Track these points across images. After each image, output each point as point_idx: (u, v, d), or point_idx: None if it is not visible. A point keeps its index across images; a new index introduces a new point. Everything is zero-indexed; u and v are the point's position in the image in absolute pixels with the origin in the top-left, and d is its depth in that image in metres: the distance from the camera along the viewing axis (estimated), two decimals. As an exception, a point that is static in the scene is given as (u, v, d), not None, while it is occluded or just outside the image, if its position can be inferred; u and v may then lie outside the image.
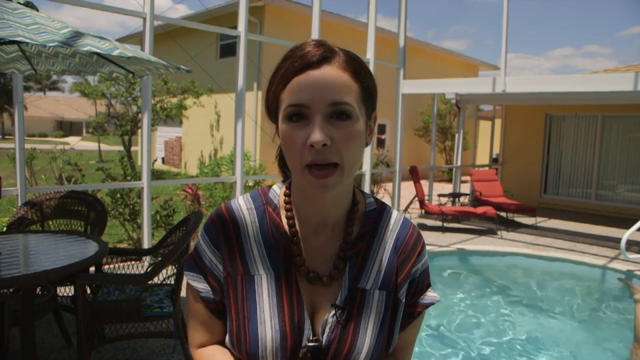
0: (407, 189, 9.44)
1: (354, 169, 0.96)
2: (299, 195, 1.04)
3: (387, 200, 9.57)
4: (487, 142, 14.49)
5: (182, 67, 3.63)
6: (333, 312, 1.00)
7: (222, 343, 1.09)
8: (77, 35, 2.61)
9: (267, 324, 0.98)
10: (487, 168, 12.72)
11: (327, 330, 0.99)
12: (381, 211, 1.12)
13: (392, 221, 1.11)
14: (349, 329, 1.00)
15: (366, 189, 8.57)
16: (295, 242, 1.02)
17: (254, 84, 14.49)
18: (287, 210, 1.05)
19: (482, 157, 15.58)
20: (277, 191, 1.10)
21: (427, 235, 8.21)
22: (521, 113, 13.32)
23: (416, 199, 9.06)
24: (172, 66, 3.59)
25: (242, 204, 1.07)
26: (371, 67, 8.44)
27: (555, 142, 13.20)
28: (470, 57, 24.52)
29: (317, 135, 0.88)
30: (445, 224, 8.93)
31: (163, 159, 19.84)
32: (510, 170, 13.33)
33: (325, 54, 0.94)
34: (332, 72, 0.93)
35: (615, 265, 6.93)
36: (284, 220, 1.04)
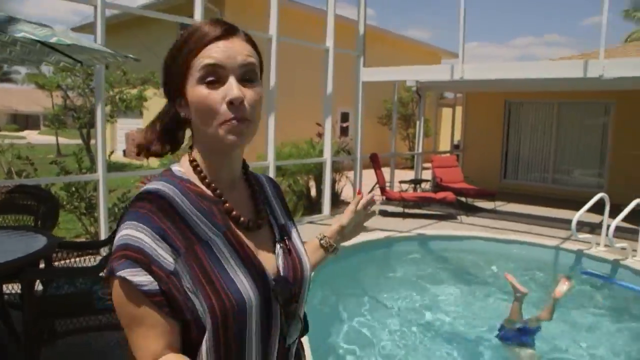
0: (369, 177, 9.49)
1: (257, 128, 1.08)
2: (210, 159, 1.10)
3: (348, 188, 9.60)
4: (448, 129, 14.68)
5: (130, 55, 3.56)
6: (279, 246, 1.16)
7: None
8: (11, 20, 2.52)
9: (243, 280, 1.02)
10: (448, 154, 12.89)
11: (280, 262, 1.13)
12: (251, 171, 1.29)
13: (260, 175, 1.33)
14: (294, 256, 1.18)
15: (327, 177, 8.60)
16: (224, 202, 1.10)
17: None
18: (202, 178, 1.10)
19: (444, 144, 15.78)
20: (180, 169, 1.12)
21: (388, 222, 8.29)
22: (481, 100, 13.53)
23: (377, 185, 9.13)
24: (119, 55, 3.52)
25: (162, 187, 1.05)
26: (330, 56, 8.45)
27: (514, 128, 13.47)
28: (433, 46, 24.78)
29: (236, 91, 0.99)
30: (406, 210, 9.02)
31: (124, 151, 19.45)
32: (471, 156, 13.54)
33: (231, 27, 1.06)
34: (240, 42, 1.05)
35: (567, 245, 7.12)
36: (203, 187, 1.10)
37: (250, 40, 1.08)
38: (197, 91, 1.01)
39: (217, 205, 1.08)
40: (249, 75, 1.03)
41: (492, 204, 10.07)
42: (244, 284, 1.02)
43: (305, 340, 3.68)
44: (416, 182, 10.86)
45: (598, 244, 6.97)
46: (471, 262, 7.16)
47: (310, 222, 8.24)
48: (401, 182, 10.69)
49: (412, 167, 12.47)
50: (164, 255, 0.97)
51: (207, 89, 1.00)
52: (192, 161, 1.11)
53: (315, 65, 8.78)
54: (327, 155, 8.58)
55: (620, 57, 10.50)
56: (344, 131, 17.28)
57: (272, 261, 1.12)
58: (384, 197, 9.21)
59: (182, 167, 1.12)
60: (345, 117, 18.05)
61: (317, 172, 9.40)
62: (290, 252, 1.17)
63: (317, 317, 4.57)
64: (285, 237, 1.20)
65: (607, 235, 6.50)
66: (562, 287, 4.60)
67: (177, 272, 0.97)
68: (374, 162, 9.18)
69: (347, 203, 9.78)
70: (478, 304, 5.68)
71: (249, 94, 1.02)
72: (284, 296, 1.10)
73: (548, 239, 7.54)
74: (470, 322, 5.23)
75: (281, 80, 7.79)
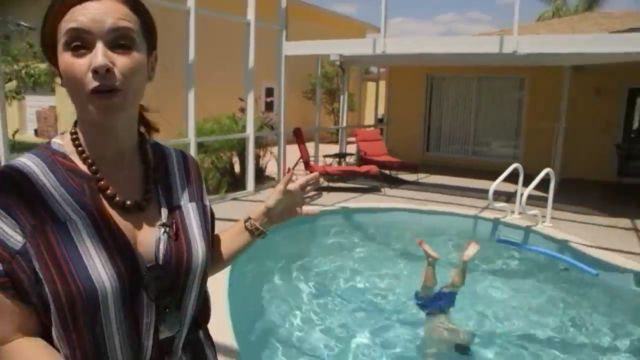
0: (294, 152, 9.44)
1: (138, 98, 1.00)
2: (89, 132, 1.02)
3: (272, 163, 9.52)
4: (373, 103, 14.82)
5: (23, 23, 3.29)
6: (162, 230, 1.04)
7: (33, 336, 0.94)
8: None
9: (99, 267, 0.92)
10: (372, 128, 13.02)
11: (161, 247, 1.02)
12: (159, 143, 1.20)
13: (171, 150, 1.21)
14: (181, 242, 1.05)
15: (250, 153, 8.46)
16: (99, 179, 1.00)
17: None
18: (80, 153, 1.01)
19: (369, 118, 15.94)
20: (60, 141, 1.04)
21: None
22: (404, 75, 13.71)
23: (301, 160, 9.10)
24: (11, 22, 3.24)
25: (27, 161, 0.97)
26: (251, 29, 8.25)
27: (436, 102, 13.79)
28: (358, 20, 24.82)
29: (99, 59, 0.89)
30: (331, 184, 9.05)
31: (36, 130, 18.37)
32: (395, 130, 13.75)
33: None
34: (113, 3, 0.94)
35: (485, 214, 7.39)
36: (79, 163, 1.01)
37: (129, 2, 0.97)
38: (63, 59, 0.93)
39: (90, 182, 0.99)
40: (123, 41, 0.93)
41: (415, 176, 10.29)
42: (98, 270, 0.91)
43: (227, 318, 3.62)
44: (340, 155, 10.92)
45: (513, 212, 7.27)
46: (395, 234, 7.29)
47: (234, 199, 8.12)
48: (325, 156, 10.71)
49: (337, 142, 12.52)
50: (10, 233, 0.89)
51: (73, 57, 0.91)
52: (72, 134, 1.03)
53: (239, 39, 8.55)
54: (250, 131, 8.44)
55: (532, 34, 10.91)
56: (269, 106, 17.08)
57: (151, 247, 1.02)
58: (308, 172, 9.20)
59: (62, 141, 1.04)
60: (270, 92, 17.82)
61: (241, 148, 9.23)
62: (177, 238, 1.05)
63: (241, 294, 4.52)
64: (175, 221, 1.07)
65: (520, 203, 6.79)
66: (470, 250, 4.75)
67: (24, 252, 0.89)
68: (298, 136, 9.13)
69: (272, 179, 9.75)
70: (401, 274, 5.80)
71: (120, 61, 0.92)
72: (158, 286, 1.00)
73: (468, 208, 7.79)
74: (393, 292, 5.33)
75: (203, 54, 7.55)
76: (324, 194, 8.47)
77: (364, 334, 4.41)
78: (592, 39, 7.57)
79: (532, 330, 4.70)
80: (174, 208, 1.10)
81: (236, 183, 9.32)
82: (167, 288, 1.02)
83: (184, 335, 1.09)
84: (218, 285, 4.20)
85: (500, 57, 8.51)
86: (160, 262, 1.01)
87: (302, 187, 1.36)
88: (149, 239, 1.02)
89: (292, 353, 4.01)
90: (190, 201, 1.15)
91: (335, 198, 8.18)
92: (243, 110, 8.99)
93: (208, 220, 1.20)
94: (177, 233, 1.06)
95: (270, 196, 1.34)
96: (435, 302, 4.51)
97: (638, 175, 10.31)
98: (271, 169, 9.50)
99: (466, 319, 4.65)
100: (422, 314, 4.50)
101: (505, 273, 6.22)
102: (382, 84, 14.42)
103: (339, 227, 7.29)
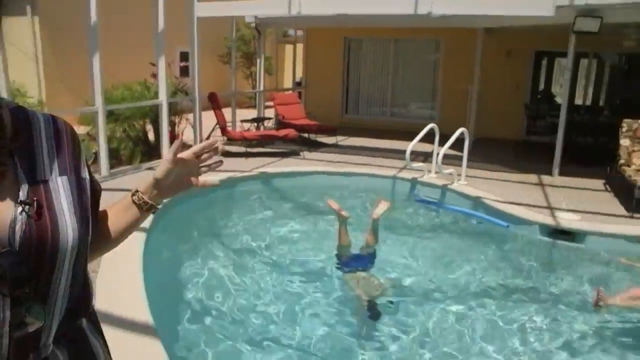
0: (212, 118, 9.12)
1: None
2: None
3: (189, 130, 9.17)
4: (291, 66, 14.61)
5: None
6: (20, 209, 0.88)
7: None
8: None
9: None
10: (290, 92, 12.85)
11: (17, 229, 0.87)
12: (22, 107, 1.01)
13: (39, 115, 1.02)
14: (45, 223, 0.90)
15: (164, 120, 8.09)
16: None
17: (26, 7, 12.57)
18: None
19: (287, 81, 15.75)
20: None
21: (230, 162, 8.09)
22: (322, 37, 13.55)
23: (217, 126, 8.83)
24: None
25: None
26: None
27: (354, 64, 13.77)
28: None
29: None
30: (249, 150, 8.86)
31: None
32: (314, 93, 13.65)
33: None
34: None
35: (403, 174, 7.50)
36: None
37: None
38: None
39: None
40: None
41: (334, 139, 10.28)
42: None
43: (141, 293, 3.44)
44: (258, 120, 10.72)
45: (429, 172, 7.42)
46: (314, 197, 7.26)
47: (150, 169, 7.76)
48: (243, 121, 10.46)
49: (255, 107, 12.28)
50: None
51: None
52: None
53: (149, 1, 8.05)
54: (163, 97, 8.05)
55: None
56: (185, 71, 16.45)
57: (4, 230, 0.87)
58: (226, 138, 8.97)
59: None
60: (185, 56, 17.13)
61: (154, 116, 8.82)
62: (40, 217, 0.90)
63: (156, 267, 4.33)
64: (38, 198, 0.92)
65: (436, 163, 6.93)
66: (379, 209, 4.80)
67: None
68: (213, 101, 8.83)
69: (189, 146, 9.34)
70: (321, 237, 5.77)
71: None
72: (13, 275, 0.86)
73: (386, 169, 7.88)
74: (315, 254, 5.31)
75: (110, 18, 7.06)
76: (243, 160, 8.29)
77: (286, 299, 4.37)
78: (501, 2, 7.73)
79: (449, 282, 4.85)
80: (38, 183, 0.94)
81: (151, 152, 8.94)
82: (25, 277, 0.88)
83: (53, 328, 0.95)
84: (130, 258, 4.00)
85: (415, 18, 8.55)
86: (17, 247, 0.87)
87: (197, 155, 1.20)
88: (2, 220, 0.87)
89: (213, 325, 3.90)
90: (61, 175, 0.98)
91: (253, 163, 8.02)
92: (155, 75, 8.56)
93: (86, 195, 1.04)
94: (39, 212, 0.90)
95: (159, 166, 1.18)
96: (354, 261, 4.54)
97: (544, 134, 10.80)
98: (187, 136, 9.15)
99: (386, 276, 4.70)
100: (343, 275, 4.51)
101: (423, 230, 6.37)
102: (300, 46, 14.21)
103: (259, 192, 7.17)
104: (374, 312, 3.76)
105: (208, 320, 3.96)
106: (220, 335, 3.75)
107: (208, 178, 1.23)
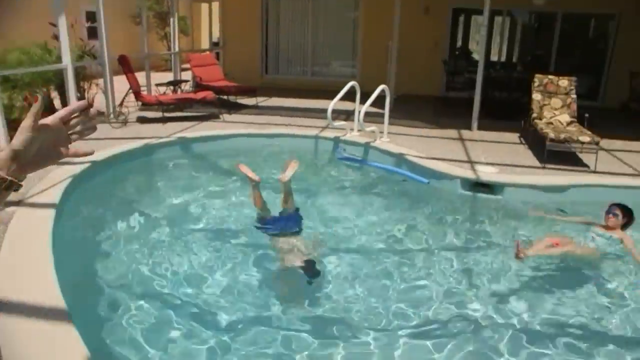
0: (125, 83, 8.56)
1: None
2: None
3: (100, 97, 8.59)
4: (207, 26, 14.05)
5: None
6: None
7: None
8: None
9: None
10: (207, 52, 12.35)
11: None
12: None
13: None
14: None
15: (71, 86, 7.51)
16: None
17: None
18: None
19: (204, 42, 15.18)
20: None
21: (147, 128, 7.70)
22: (238, -6, 13.09)
23: (130, 91, 8.34)
24: None
25: None
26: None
27: (273, 23, 13.42)
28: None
29: None
30: (167, 114, 8.44)
31: None
32: (232, 53, 13.23)
33: None
34: None
35: (326, 133, 7.41)
36: None
37: None
38: None
39: None
40: None
41: (254, 100, 10.01)
42: None
43: (52, 275, 3.15)
44: (175, 83, 10.23)
45: (352, 130, 7.37)
46: (236, 160, 7.05)
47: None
48: (158, 84, 9.95)
49: (171, 69, 11.72)
50: None
51: None
52: None
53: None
54: (67, 61, 7.45)
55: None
56: (93, 33, 15.46)
57: None
58: (140, 103, 8.51)
59: None
60: (92, 16, 16.09)
61: (59, 81, 8.19)
62: None
63: (69, 246, 4.03)
64: None
65: (358, 120, 6.87)
66: (288, 171, 4.72)
67: None
68: (124, 65, 8.29)
69: (102, 113, 8.86)
70: (246, 201, 5.60)
71: None
72: None
73: (309, 129, 7.75)
74: (239, 220, 5.15)
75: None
76: (160, 125, 7.89)
77: (209, 268, 4.20)
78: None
79: (375, 239, 4.87)
80: None
81: (58, 121, 8.32)
82: None
83: None
84: (38, 236, 3.69)
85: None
86: None
87: (65, 121, 1.01)
88: None
89: (134, 304, 3.67)
90: None
91: (171, 128, 7.65)
92: (57, 37, 7.90)
93: None
94: None
95: (16, 134, 0.96)
96: (277, 225, 4.44)
97: (462, 90, 11.02)
98: (99, 102, 8.59)
99: (313, 237, 4.62)
100: (267, 238, 4.40)
101: (348, 189, 6.34)
102: (216, 5, 13.64)
103: (178, 159, 6.86)
104: (308, 272, 3.67)
105: (128, 296, 3.74)
106: (143, 312, 3.55)
107: (81, 146, 1.03)
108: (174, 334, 3.33)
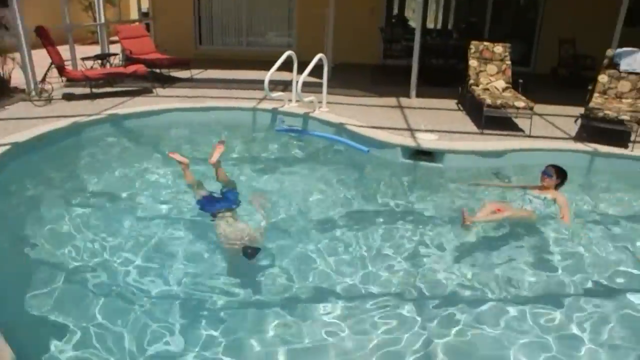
0: (47, 58, 8.01)
1: None
2: None
3: (18, 73, 8.01)
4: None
5: None
6: None
7: None
8: None
9: None
10: (137, 24, 11.77)
11: None
12: None
13: None
14: None
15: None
16: None
17: None
18: None
19: (132, 12, 14.50)
20: None
21: (75, 105, 7.27)
22: (167, -40, 12.50)
23: (53, 66, 7.82)
24: None
25: None
26: None
27: (205, -8, 12.95)
28: None
29: None
30: (95, 90, 7.99)
31: None
32: (163, 24, 12.68)
33: None
34: None
35: (263, 105, 7.24)
36: None
37: None
38: None
39: None
40: None
41: (188, 73, 9.65)
42: None
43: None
44: (103, 57, 9.69)
45: (290, 101, 7.22)
46: (172, 136, 6.80)
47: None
48: (84, 59, 9.41)
49: (99, 42, 11.09)
50: None
51: None
52: None
53: None
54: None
55: None
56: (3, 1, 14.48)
57: None
58: (65, 79, 8.01)
59: None
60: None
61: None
62: None
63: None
64: None
65: (296, 91, 6.73)
66: (215, 154, 4.72)
67: None
68: (43, 37, 7.72)
69: (22, 90, 8.30)
70: (181, 179, 5.39)
71: None
72: None
73: (246, 101, 7.55)
74: (178, 199, 4.94)
75: None
76: (88, 102, 7.46)
77: (147, 248, 4.02)
78: None
79: (317, 212, 4.79)
80: None
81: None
82: None
83: None
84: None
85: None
86: None
87: None
88: None
89: (70, 288, 3.47)
90: None
91: (101, 105, 7.27)
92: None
93: None
94: None
95: None
96: (214, 202, 4.31)
97: (400, 57, 10.99)
98: (18, 78, 8.03)
99: (255, 214, 4.50)
100: (206, 217, 4.24)
101: (288, 162, 6.22)
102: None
103: (109, 136, 6.54)
104: (247, 252, 3.55)
105: (63, 282, 3.51)
106: (80, 298, 3.37)
107: None
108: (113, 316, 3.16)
